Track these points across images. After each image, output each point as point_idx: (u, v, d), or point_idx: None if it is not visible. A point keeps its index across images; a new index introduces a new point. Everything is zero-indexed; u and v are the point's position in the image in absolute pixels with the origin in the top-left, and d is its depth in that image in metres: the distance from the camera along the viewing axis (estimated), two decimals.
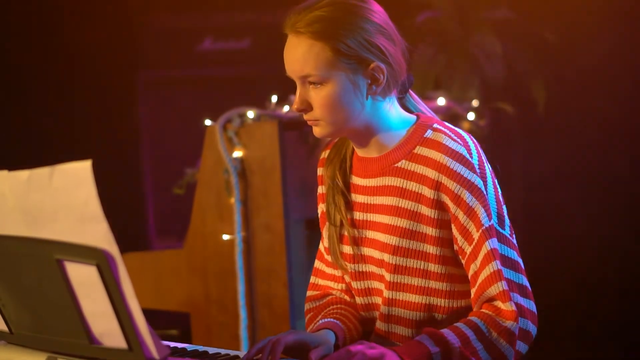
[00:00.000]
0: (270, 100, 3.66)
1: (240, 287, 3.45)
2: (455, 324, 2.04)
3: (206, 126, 3.53)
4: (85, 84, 5.48)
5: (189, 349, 2.13)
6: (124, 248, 3.83)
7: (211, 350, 2.11)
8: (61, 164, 1.66)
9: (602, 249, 4.88)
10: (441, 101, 4.40)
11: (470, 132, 4.48)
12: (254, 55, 5.60)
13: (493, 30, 4.72)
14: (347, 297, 2.31)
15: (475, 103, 4.65)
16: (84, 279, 1.69)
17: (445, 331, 2.01)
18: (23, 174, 1.73)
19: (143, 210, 5.66)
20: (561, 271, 4.89)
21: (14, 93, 5.36)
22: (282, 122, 3.41)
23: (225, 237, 3.49)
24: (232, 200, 3.46)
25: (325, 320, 2.21)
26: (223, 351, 2.10)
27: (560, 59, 4.82)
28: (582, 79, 4.77)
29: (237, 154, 3.46)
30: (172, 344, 2.18)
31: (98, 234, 1.64)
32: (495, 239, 2.06)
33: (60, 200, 1.67)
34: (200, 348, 2.13)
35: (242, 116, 3.48)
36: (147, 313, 3.99)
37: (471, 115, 4.53)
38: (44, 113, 5.40)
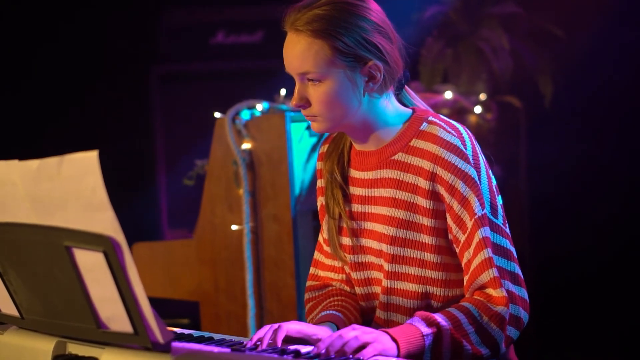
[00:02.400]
0: (279, 93, 3.70)
1: (249, 277, 3.47)
2: (447, 309, 2.09)
3: (216, 119, 3.56)
4: (99, 78, 5.52)
5: (195, 335, 2.18)
6: (137, 238, 3.88)
7: (217, 336, 2.15)
8: (69, 154, 1.71)
9: (606, 240, 4.89)
10: (448, 95, 4.43)
11: (477, 125, 4.55)
12: (266, 49, 5.62)
13: (500, 25, 4.73)
14: (347, 288, 2.36)
15: (482, 97, 4.67)
16: (91, 265, 1.73)
17: (437, 314, 2.06)
18: (33, 164, 1.77)
19: (156, 202, 5.70)
20: (565, 260, 4.91)
21: (29, 88, 5.41)
22: (290, 114, 3.44)
23: (234, 227, 3.52)
24: (241, 191, 3.48)
25: (327, 312, 2.26)
26: (228, 337, 2.15)
27: (567, 53, 4.82)
28: (589, 73, 4.77)
29: (246, 145, 3.48)
30: (179, 330, 2.22)
31: (105, 221, 1.68)
32: (487, 228, 2.10)
33: (69, 189, 1.71)
34: (206, 334, 2.18)
35: (251, 108, 3.51)
36: (159, 302, 4.04)
37: (478, 109, 4.55)
38: (59, 106, 5.44)
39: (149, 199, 5.66)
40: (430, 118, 2.20)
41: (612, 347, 4.88)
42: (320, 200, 2.37)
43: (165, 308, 4.51)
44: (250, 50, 5.69)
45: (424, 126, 2.19)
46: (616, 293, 4.87)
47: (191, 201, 4.02)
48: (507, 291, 2.09)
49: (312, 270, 2.44)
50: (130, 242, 3.91)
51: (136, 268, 1.70)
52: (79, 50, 5.46)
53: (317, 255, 2.43)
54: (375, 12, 2.17)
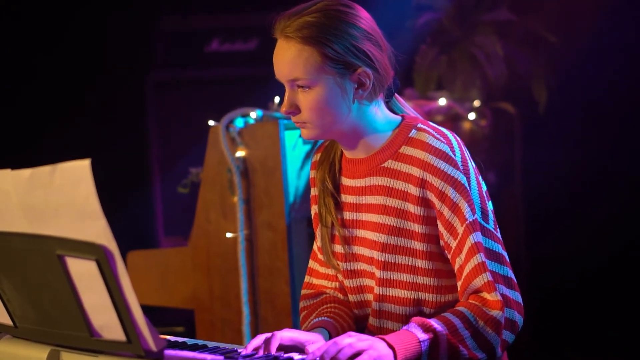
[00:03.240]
0: (273, 100, 3.71)
1: (243, 284, 3.47)
2: (443, 314, 2.10)
3: (210, 126, 3.57)
4: (95, 85, 5.52)
5: (189, 343, 2.18)
6: (133, 246, 3.87)
7: (210, 344, 2.15)
8: (62, 163, 1.71)
9: (601, 243, 4.89)
10: (442, 101, 4.44)
11: (471, 131, 4.56)
12: (261, 57, 5.63)
13: (494, 31, 4.75)
14: (340, 296, 2.36)
15: (477, 103, 4.68)
16: (84, 273, 1.73)
17: (433, 320, 2.06)
18: (25, 172, 1.77)
19: (151, 209, 5.70)
20: (560, 264, 4.92)
21: (25, 95, 5.41)
22: (283, 122, 3.45)
23: (229, 235, 3.52)
24: (235, 199, 3.49)
25: (319, 319, 2.27)
26: (222, 345, 2.15)
27: (561, 59, 4.84)
28: (583, 78, 4.78)
29: (240, 153, 3.48)
30: (173, 338, 2.22)
31: (97, 230, 1.68)
32: (479, 233, 2.11)
33: (61, 198, 1.71)
34: (200, 342, 2.18)
35: (245, 116, 3.52)
36: (155, 310, 4.01)
37: (472, 115, 4.56)
38: (54, 113, 5.44)
39: (145, 206, 5.67)
40: (419, 125, 2.21)
41: (608, 350, 4.88)
42: (314, 209, 2.38)
43: (161, 316, 4.51)
44: (245, 57, 5.70)
45: (413, 133, 2.20)
46: (611, 296, 4.88)
47: (187, 208, 4.02)
48: (502, 295, 2.09)
49: (306, 278, 2.44)
50: (126, 250, 3.91)
51: (129, 276, 1.71)
52: (75, 57, 5.46)
53: (311, 263, 2.43)
54: (365, 19, 2.18)
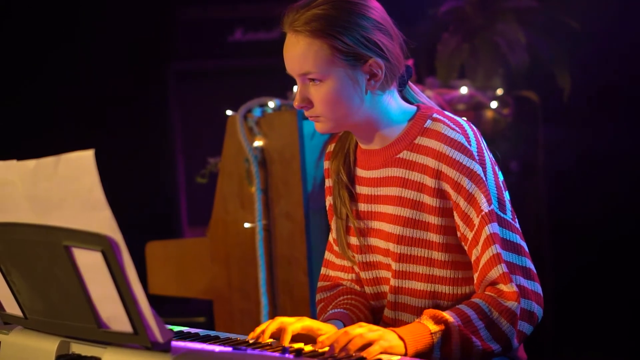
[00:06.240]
0: (291, 90, 3.69)
1: (262, 275, 3.47)
2: (457, 306, 2.08)
3: (227, 116, 3.56)
4: (117, 76, 5.53)
5: (201, 334, 2.17)
6: (157, 236, 3.86)
7: (222, 335, 2.15)
8: (66, 153, 1.70)
9: (625, 236, 4.85)
10: (464, 90, 4.41)
11: (494, 120, 4.52)
12: (282, 46, 5.60)
13: (516, 19, 4.72)
14: (357, 287, 2.35)
15: (499, 91, 4.65)
16: (90, 264, 1.73)
17: (447, 312, 2.04)
18: (30, 163, 1.77)
19: (176, 201, 5.71)
20: (584, 254, 4.88)
21: (46, 84, 5.43)
22: (301, 111, 3.43)
23: (247, 225, 3.52)
24: (253, 189, 3.48)
25: (335, 310, 2.26)
26: (233, 336, 2.14)
27: (585, 47, 4.79)
28: (607, 66, 4.74)
29: (258, 143, 3.48)
30: (186, 329, 2.22)
31: (102, 220, 1.68)
32: (495, 224, 2.08)
33: (66, 188, 1.71)
34: (213, 333, 2.17)
35: (263, 106, 3.51)
36: (177, 300, 3.99)
37: (494, 104, 4.53)
38: (75, 104, 5.46)
39: (169, 197, 5.68)
40: (435, 115, 2.19)
41: (631, 344, 4.85)
42: (329, 200, 2.37)
43: (183, 306, 4.52)
44: (268, 47, 5.68)
45: (429, 123, 2.18)
46: (636, 287, 4.84)
47: (210, 199, 4.02)
48: (519, 286, 2.07)
49: (323, 270, 2.44)
50: (150, 240, 3.88)
51: (134, 267, 1.70)
52: (96, 47, 5.47)
53: (327, 255, 2.42)
54: (375, 9, 2.16)
